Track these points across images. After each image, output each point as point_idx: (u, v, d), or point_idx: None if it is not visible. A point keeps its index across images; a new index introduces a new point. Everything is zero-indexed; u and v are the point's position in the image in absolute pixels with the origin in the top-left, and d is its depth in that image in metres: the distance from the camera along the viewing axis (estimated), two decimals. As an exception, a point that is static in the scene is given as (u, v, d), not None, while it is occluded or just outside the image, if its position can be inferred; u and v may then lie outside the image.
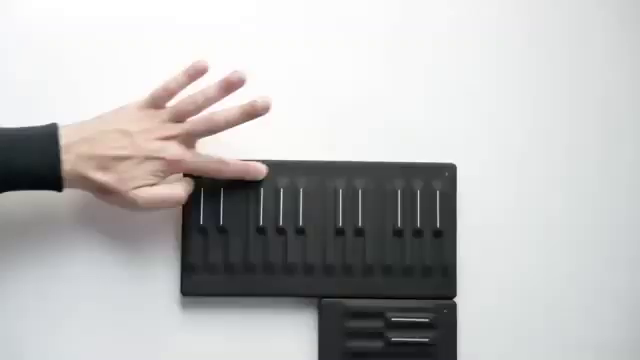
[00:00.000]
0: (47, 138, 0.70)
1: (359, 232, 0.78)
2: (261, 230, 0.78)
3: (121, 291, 0.78)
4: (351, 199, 0.79)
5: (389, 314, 0.78)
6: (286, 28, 0.81)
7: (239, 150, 0.78)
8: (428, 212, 0.79)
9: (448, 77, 0.82)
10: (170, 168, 0.73)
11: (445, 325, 0.78)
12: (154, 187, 0.73)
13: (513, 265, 0.80)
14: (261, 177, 0.78)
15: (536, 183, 0.81)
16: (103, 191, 0.72)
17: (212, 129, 0.74)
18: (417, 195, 0.79)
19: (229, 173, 0.76)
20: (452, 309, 0.78)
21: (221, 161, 0.76)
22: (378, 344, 0.77)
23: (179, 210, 0.78)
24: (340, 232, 0.78)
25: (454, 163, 0.80)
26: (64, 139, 0.70)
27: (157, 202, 0.73)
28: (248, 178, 0.77)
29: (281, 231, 0.78)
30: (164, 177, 0.74)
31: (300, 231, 0.78)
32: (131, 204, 0.73)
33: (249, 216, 0.78)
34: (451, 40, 0.82)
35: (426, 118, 0.81)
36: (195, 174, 0.76)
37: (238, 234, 0.78)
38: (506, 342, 0.79)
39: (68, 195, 0.75)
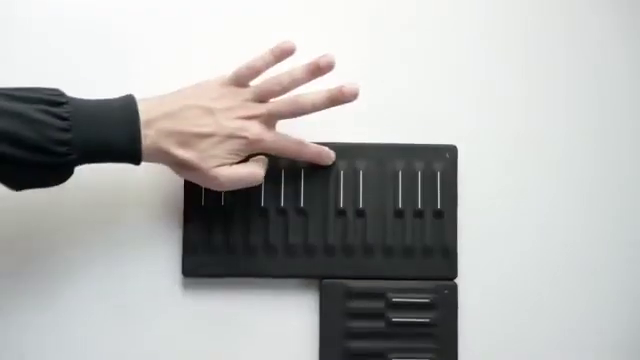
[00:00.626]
0: (128, 112, 0.69)
1: (360, 213, 0.79)
2: (262, 211, 0.78)
3: (122, 272, 0.78)
4: (352, 180, 0.79)
5: (390, 294, 0.78)
6: (284, 8, 0.81)
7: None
8: (429, 193, 0.79)
9: (450, 59, 0.82)
10: (251, 147, 0.73)
11: (446, 306, 0.78)
12: (235, 166, 0.73)
13: (514, 246, 0.80)
14: (330, 162, 0.78)
15: (537, 165, 0.81)
16: (183, 167, 0.72)
17: (297, 112, 0.74)
18: (418, 176, 0.79)
19: (307, 155, 0.77)
20: (453, 290, 0.78)
21: (301, 143, 0.76)
22: (379, 324, 0.78)
23: (180, 190, 0.78)
24: (341, 213, 0.79)
25: (455, 145, 0.80)
26: (145, 114, 0.69)
27: (238, 181, 0.74)
28: (321, 162, 0.78)
29: (282, 212, 0.78)
30: (243, 156, 0.74)
31: (301, 212, 0.78)
32: (212, 182, 0.73)
33: (250, 197, 0.78)
34: (453, 20, 0.82)
35: (427, 100, 0.81)
36: (274, 154, 0.76)
37: (239, 215, 0.78)
38: (507, 323, 0.79)
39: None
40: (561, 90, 0.82)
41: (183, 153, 0.71)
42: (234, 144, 0.72)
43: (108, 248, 0.79)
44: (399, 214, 0.79)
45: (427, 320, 0.78)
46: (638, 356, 0.80)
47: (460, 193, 0.80)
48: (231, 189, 0.74)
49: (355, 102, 0.76)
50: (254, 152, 0.74)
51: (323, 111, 0.77)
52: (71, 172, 0.69)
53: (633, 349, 0.80)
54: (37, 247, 0.78)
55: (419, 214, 0.79)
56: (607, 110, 0.82)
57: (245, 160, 0.74)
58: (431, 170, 0.79)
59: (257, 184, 0.75)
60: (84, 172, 0.72)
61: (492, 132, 0.81)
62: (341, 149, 0.79)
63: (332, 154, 0.78)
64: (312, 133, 0.79)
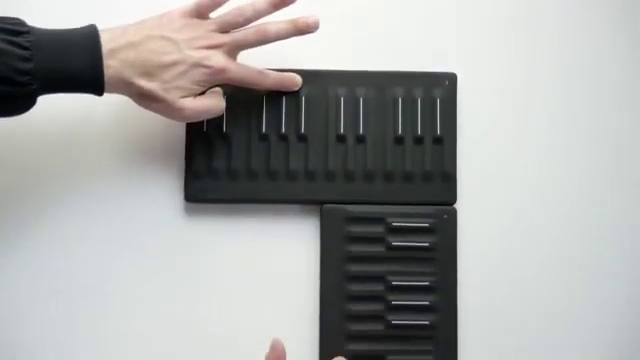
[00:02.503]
0: (90, 41, 0.69)
1: (360, 139, 0.79)
2: (263, 137, 0.79)
3: (125, 198, 0.80)
4: (352, 106, 0.79)
5: (390, 219, 0.79)
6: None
7: (239, 57, 0.78)
8: (428, 120, 0.80)
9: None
10: (214, 78, 0.74)
11: (445, 230, 0.79)
12: (199, 97, 0.74)
13: (513, 172, 0.81)
14: (297, 88, 0.79)
15: (536, 93, 0.82)
16: (146, 98, 0.72)
17: (262, 41, 0.75)
18: (418, 103, 0.80)
19: (269, 84, 0.77)
20: (452, 214, 0.79)
21: (262, 72, 0.77)
22: (379, 248, 0.79)
23: (182, 117, 0.79)
24: (341, 139, 0.79)
25: (454, 72, 0.80)
26: (108, 44, 0.69)
27: (202, 112, 0.75)
28: (285, 89, 0.79)
29: (283, 138, 0.79)
30: (206, 87, 0.74)
31: (302, 138, 0.79)
32: (177, 113, 0.73)
33: (251, 123, 0.79)
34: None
35: (427, 27, 0.82)
36: (236, 84, 0.76)
37: (241, 141, 0.79)
38: (505, 246, 0.80)
39: (70, 101, 0.76)
40: (565, 17, 0.82)
41: (146, 83, 0.71)
42: (198, 74, 0.73)
43: (111, 175, 0.80)
44: (399, 140, 0.79)
45: (427, 244, 0.79)
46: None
47: (459, 120, 0.80)
48: (193, 120, 0.76)
49: (355, 30, 0.77)
50: (216, 83, 0.75)
51: (325, 39, 0.78)
52: (34, 102, 0.69)
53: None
54: (40, 173, 0.79)
55: (419, 140, 0.80)
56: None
57: (202, 93, 0.75)
58: (431, 97, 0.80)
59: (219, 115, 0.76)
60: (85, 101, 0.73)
61: (491, 60, 0.82)
62: (341, 76, 0.80)
63: (298, 79, 0.79)
64: (310, 61, 0.80)
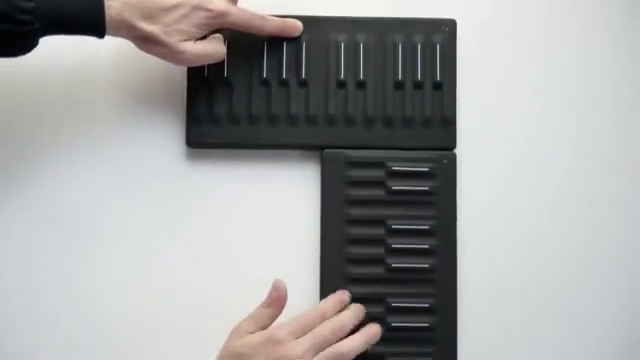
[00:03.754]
0: None
1: (361, 85, 0.80)
2: (264, 82, 0.80)
3: (127, 144, 0.80)
4: (353, 52, 0.80)
5: (390, 163, 0.79)
6: None
7: (240, 3, 0.78)
8: (428, 65, 0.80)
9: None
10: (215, 21, 0.74)
11: (444, 175, 0.79)
12: (199, 42, 0.74)
13: (512, 117, 0.82)
14: (297, 34, 0.79)
15: (537, 38, 0.82)
16: (147, 41, 0.72)
17: None
18: (418, 49, 0.80)
19: (269, 29, 0.78)
20: (452, 159, 0.80)
21: (263, 17, 0.77)
22: (379, 192, 0.79)
23: (184, 62, 0.79)
24: (342, 84, 0.80)
25: (454, 19, 0.81)
26: None
27: (203, 57, 0.75)
28: (285, 35, 0.79)
29: (284, 83, 0.80)
30: (207, 31, 0.74)
31: (303, 83, 0.80)
32: (177, 57, 0.74)
33: (252, 68, 0.80)
34: None
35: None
36: (237, 29, 0.76)
37: (242, 86, 0.80)
38: (504, 191, 0.81)
39: (71, 45, 0.76)
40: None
41: (147, 26, 0.71)
42: (199, 17, 0.73)
43: (112, 120, 0.80)
44: (399, 86, 0.80)
45: (426, 188, 0.79)
46: None
47: (459, 66, 0.81)
48: (194, 65, 0.76)
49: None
50: (217, 27, 0.75)
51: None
52: (35, 43, 0.70)
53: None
54: (41, 118, 0.80)
55: (419, 86, 0.80)
56: None
57: (204, 38, 0.75)
58: (430, 43, 0.80)
59: (220, 61, 0.77)
60: (87, 45, 0.73)
61: (491, 6, 0.82)
62: (342, 22, 0.80)
63: (298, 25, 0.79)
64: (311, 7, 0.80)
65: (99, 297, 0.78)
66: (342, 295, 0.76)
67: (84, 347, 0.78)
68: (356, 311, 0.76)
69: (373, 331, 0.75)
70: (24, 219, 0.79)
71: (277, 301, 0.73)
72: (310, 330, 0.72)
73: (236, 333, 0.72)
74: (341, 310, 0.76)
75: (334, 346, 0.72)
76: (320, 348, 0.72)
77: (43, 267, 0.78)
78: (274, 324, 0.73)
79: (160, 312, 0.78)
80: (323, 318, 0.74)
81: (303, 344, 0.71)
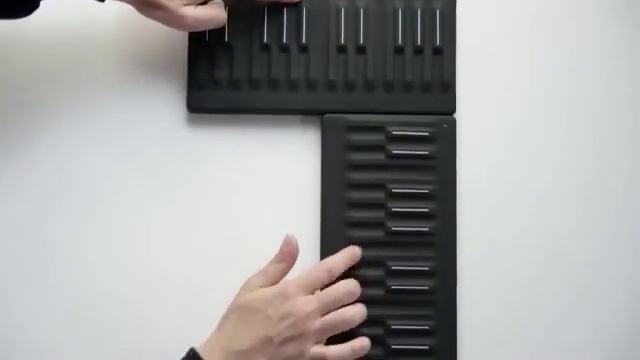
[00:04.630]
0: None
1: (361, 50, 0.80)
2: (265, 47, 0.80)
3: (127, 109, 0.80)
4: (353, 17, 0.80)
5: (390, 128, 0.80)
6: None
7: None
8: (428, 30, 0.80)
9: None
10: None
11: (444, 139, 0.80)
12: (200, 7, 0.75)
13: (512, 82, 0.82)
14: (297, 0, 0.79)
15: (537, 8, 0.82)
16: (148, 6, 0.73)
17: None
18: (417, 14, 0.80)
19: None
20: (451, 124, 0.80)
21: None
22: (379, 156, 0.79)
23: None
24: (342, 49, 0.80)
25: (454, -16, 0.81)
26: None
27: (204, 21, 0.75)
28: (286, 0, 0.79)
29: (284, 48, 0.80)
30: None
31: (303, 48, 0.80)
32: (178, 21, 0.74)
33: (253, 33, 0.80)
34: None
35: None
36: None
37: (243, 51, 0.80)
38: (503, 155, 0.81)
39: (72, 9, 0.77)
40: None
41: None
42: None
43: (113, 85, 0.81)
44: (399, 51, 0.80)
45: (426, 152, 0.79)
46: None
47: (459, 31, 0.81)
48: (195, 30, 0.76)
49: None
50: None
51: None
52: (36, 5, 0.70)
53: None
54: (41, 82, 0.80)
55: (419, 51, 0.80)
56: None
57: (204, 3, 0.76)
58: (430, 8, 0.80)
59: (220, 26, 0.77)
60: (88, 9, 0.74)
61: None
62: (342, -12, 0.81)
63: None
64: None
65: (99, 263, 0.79)
66: (352, 252, 0.77)
67: (83, 313, 0.78)
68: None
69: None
70: (23, 186, 0.79)
71: (288, 256, 0.74)
72: (319, 286, 0.74)
73: (246, 287, 0.73)
74: (351, 265, 0.76)
75: (340, 312, 0.73)
76: (328, 309, 0.73)
77: (42, 233, 0.79)
78: (284, 279, 0.74)
79: (160, 277, 0.79)
80: (334, 271, 0.74)
81: (312, 302, 0.72)
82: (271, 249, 0.78)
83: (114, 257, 0.79)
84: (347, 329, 0.74)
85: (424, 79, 0.80)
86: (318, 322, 0.72)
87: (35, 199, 0.79)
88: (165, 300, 0.79)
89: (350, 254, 0.76)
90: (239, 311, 0.72)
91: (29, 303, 0.78)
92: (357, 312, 0.74)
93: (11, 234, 0.79)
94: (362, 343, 0.75)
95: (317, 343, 0.72)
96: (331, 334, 0.73)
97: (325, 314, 0.73)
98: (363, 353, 0.74)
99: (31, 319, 0.78)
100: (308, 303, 0.72)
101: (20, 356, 0.78)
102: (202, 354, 0.70)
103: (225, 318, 0.73)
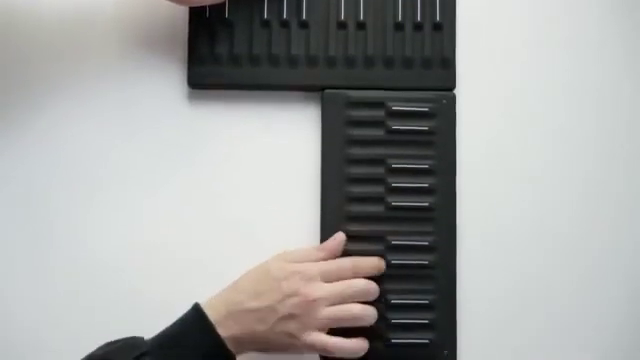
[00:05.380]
0: None
1: (361, 26, 0.80)
2: (265, 23, 0.80)
3: (128, 84, 0.81)
4: (353, -6, 0.81)
5: (390, 103, 0.80)
6: None
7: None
8: (428, 6, 0.80)
9: None
10: None
11: (444, 115, 0.80)
12: None
13: (511, 58, 0.82)
14: None
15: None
16: None
17: None
18: (417, -11, 0.81)
19: None
20: (451, 100, 0.80)
21: None
22: (379, 132, 0.80)
23: (185, 3, 0.80)
24: (342, 25, 0.80)
25: (453, -41, 0.82)
26: None
27: None
28: None
29: (285, 24, 0.80)
30: None
31: (303, 24, 0.80)
32: None
33: (253, 9, 0.80)
34: None
35: None
36: None
37: (243, 27, 0.80)
38: (503, 131, 0.81)
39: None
40: None
41: None
42: None
43: (114, 62, 0.81)
44: (399, 26, 0.80)
45: (426, 128, 0.80)
46: None
47: (459, 7, 0.81)
48: (195, 5, 0.77)
49: None
50: None
51: None
52: None
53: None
54: (41, 57, 0.81)
55: (418, 27, 0.80)
56: None
57: None
58: (430, -16, 0.81)
59: (221, 2, 0.77)
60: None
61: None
62: (342, -36, 0.81)
63: None
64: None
65: (100, 239, 0.79)
66: (380, 262, 0.77)
67: (84, 288, 0.79)
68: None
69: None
70: (24, 162, 0.80)
71: (329, 250, 0.76)
72: (340, 279, 0.74)
73: (278, 257, 0.74)
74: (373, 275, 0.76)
75: (350, 306, 0.73)
76: (338, 301, 0.73)
77: (44, 210, 0.79)
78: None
79: (160, 253, 0.79)
80: (356, 272, 0.75)
81: (324, 290, 0.72)
82: (271, 224, 0.79)
83: (115, 233, 0.79)
84: (353, 326, 0.74)
85: (424, 55, 0.80)
86: (325, 310, 0.72)
87: (36, 176, 0.80)
88: (165, 276, 0.79)
89: (377, 264, 0.77)
90: (259, 273, 0.73)
91: (30, 278, 0.79)
92: (367, 312, 0.74)
93: (13, 211, 0.79)
94: (364, 344, 0.75)
95: (320, 331, 0.72)
96: (335, 326, 0.73)
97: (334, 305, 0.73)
98: (362, 354, 0.74)
99: (31, 292, 0.78)
100: (320, 289, 0.72)
101: (21, 326, 0.78)
102: (205, 309, 0.70)
103: (244, 275, 0.74)
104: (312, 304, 0.71)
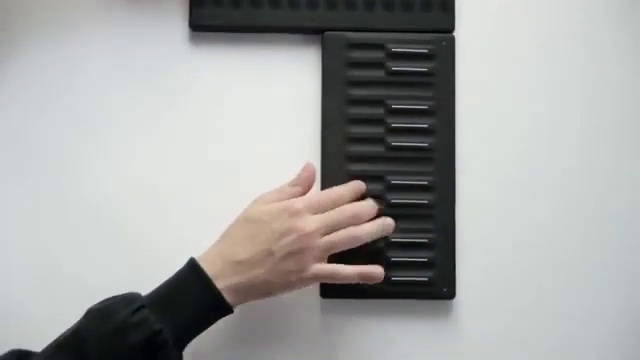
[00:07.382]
0: None
1: (361, -32, 0.81)
2: (266, -36, 0.81)
3: (129, 27, 0.81)
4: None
5: (390, 45, 0.81)
6: None
7: None
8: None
9: None
10: None
11: (443, 56, 0.81)
12: None
13: (510, 2, 0.83)
14: None
15: None
16: None
17: None
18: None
19: None
20: (450, 42, 0.81)
21: None
22: (379, 73, 0.80)
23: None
24: (343, -32, 0.81)
25: None
26: None
27: None
28: None
29: (286, -34, 0.81)
30: None
31: (304, -34, 0.81)
32: None
33: (254, -49, 0.81)
34: None
35: None
36: None
37: (244, -31, 0.81)
38: (501, 72, 0.82)
39: None
40: None
41: None
42: None
43: (116, 4, 0.81)
44: (399, -31, 0.81)
45: (425, 69, 0.80)
46: None
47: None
48: None
49: None
50: None
51: None
52: None
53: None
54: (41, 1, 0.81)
55: (418, -29, 0.81)
56: None
57: None
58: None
59: None
60: None
61: None
62: None
63: None
64: None
65: (98, 179, 0.80)
66: (359, 185, 0.77)
67: (82, 229, 0.80)
68: (372, 205, 0.76)
69: (388, 223, 0.76)
70: (25, 107, 0.80)
71: (305, 181, 0.76)
72: (326, 209, 0.74)
73: (257, 201, 0.74)
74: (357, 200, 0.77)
75: (347, 229, 0.73)
76: (331, 230, 0.73)
77: (39, 151, 0.80)
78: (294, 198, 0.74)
79: (159, 194, 0.80)
80: (340, 201, 0.75)
81: (316, 221, 0.72)
82: (272, 165, 0.79)
83: (114, 173, 0.80)
84: (353, 246, 0.74)
85: (424, -3, 0.81)
86: (321, 240, 0.72)
87: (36, 119, 0.80)
88: (164, 217, 0.80)
89: (356, 187, 0.77)
90: (245, 222, 0.73)
91: (25, 218, 0.79)
92: (366, 230, 0.74)
93: (6, 153, 0.80)
94: (372, 270, 0.74)
95: (320, 261, 0.73)
96: (335, 251, 0.73)
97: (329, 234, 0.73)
98: (370, 281, 0.74)
99: (28, 231, 0.79)
100: (312, 221, 0.72)
101: (19, 269, 0.79)
102: (202, 263, 0.71)
103: (230, 227, 0.74)
104: (309, 237, 0.71)
